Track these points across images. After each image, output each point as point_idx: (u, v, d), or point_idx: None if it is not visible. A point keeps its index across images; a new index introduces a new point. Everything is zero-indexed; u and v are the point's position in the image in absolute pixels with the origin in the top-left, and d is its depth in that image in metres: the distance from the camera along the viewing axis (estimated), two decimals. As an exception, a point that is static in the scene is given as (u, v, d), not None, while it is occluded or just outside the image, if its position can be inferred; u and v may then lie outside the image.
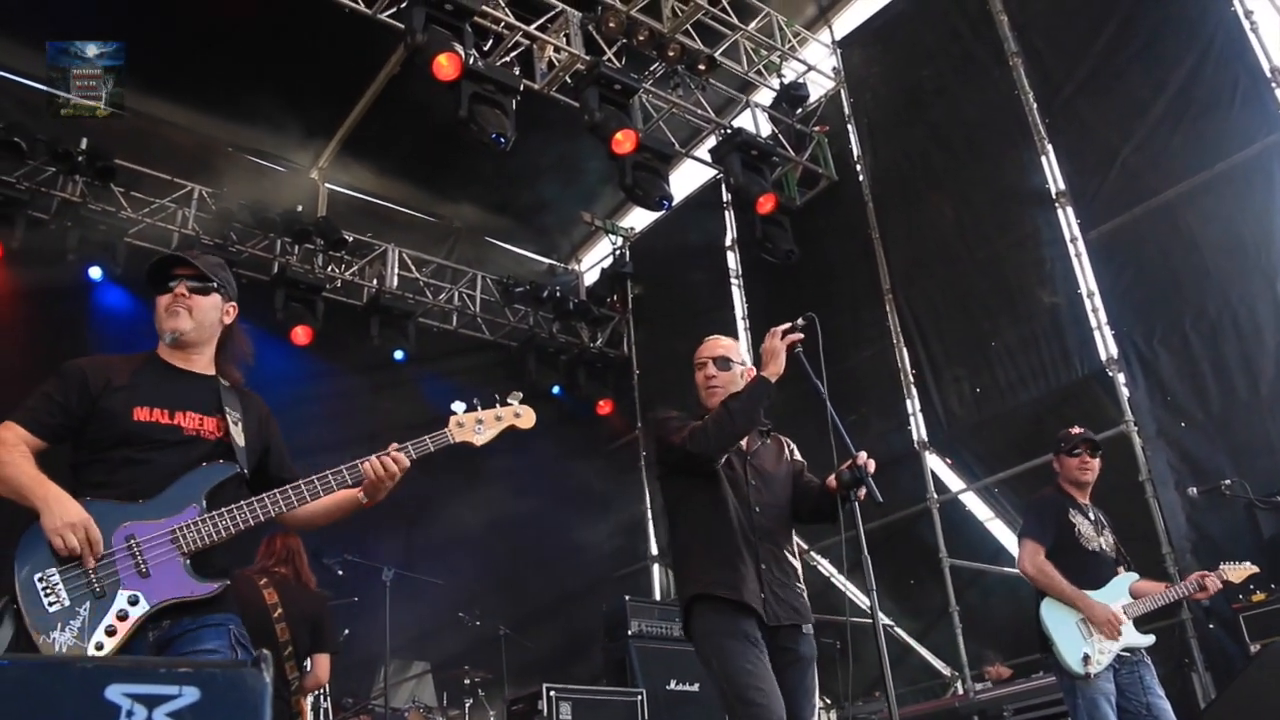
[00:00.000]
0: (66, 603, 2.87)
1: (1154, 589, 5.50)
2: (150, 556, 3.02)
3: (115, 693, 1.16)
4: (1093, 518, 5.65)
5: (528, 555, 12.41)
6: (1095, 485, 5.80)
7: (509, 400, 3.76)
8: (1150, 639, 5.38)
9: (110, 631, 2.88)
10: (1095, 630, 5.20)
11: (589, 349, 13.91)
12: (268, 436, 3.56)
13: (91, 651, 2.82)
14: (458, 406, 3.66)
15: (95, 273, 10.27)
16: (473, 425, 3.63)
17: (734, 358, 4.49)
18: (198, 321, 3.43)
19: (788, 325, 4.23)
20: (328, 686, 7.90)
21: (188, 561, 3.08)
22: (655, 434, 4.39)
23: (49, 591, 2.88)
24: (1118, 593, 5.41)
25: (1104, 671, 5.12)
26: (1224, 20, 8.50)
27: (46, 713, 1.12)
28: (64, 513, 2.95)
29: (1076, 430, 5.86)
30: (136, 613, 2.94)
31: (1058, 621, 5.27)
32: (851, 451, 3.98)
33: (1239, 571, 5.56)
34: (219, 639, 3.10)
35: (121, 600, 2.93)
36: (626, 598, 9.29)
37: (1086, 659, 5.09)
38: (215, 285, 3.49)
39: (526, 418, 3.78)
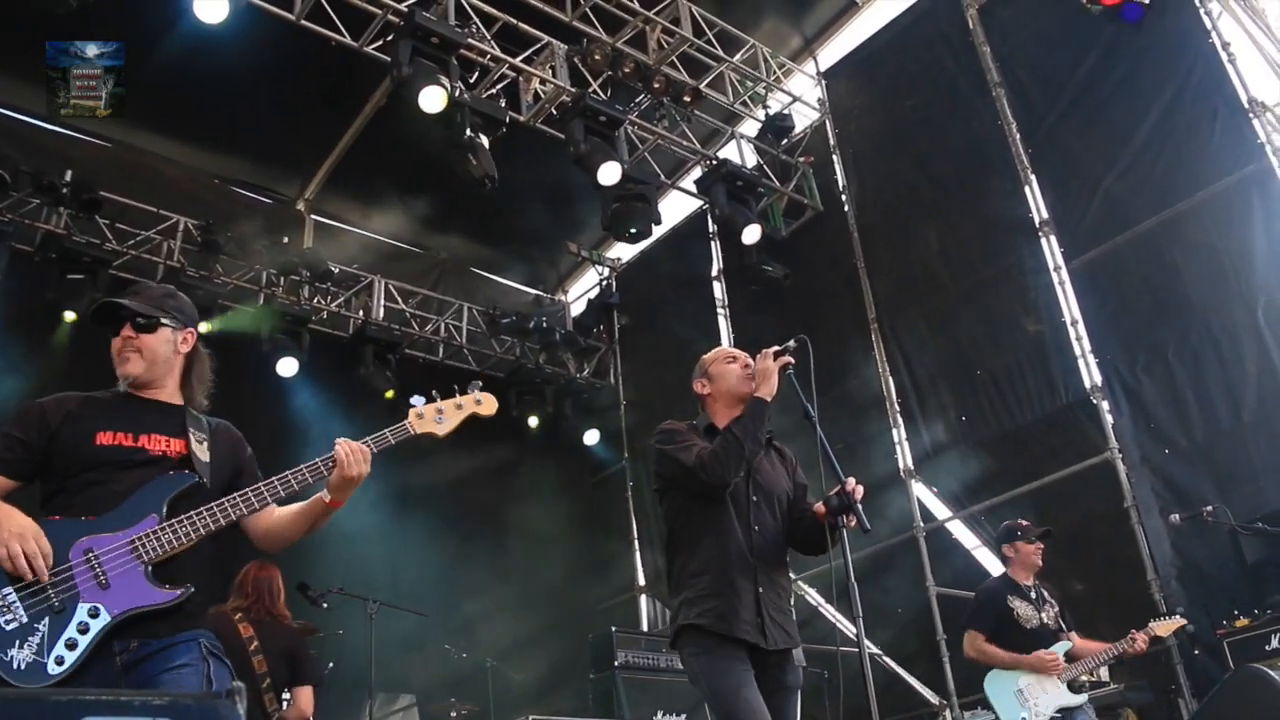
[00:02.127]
0: (24, 619, 2.82)
1: (1094, 648, 6.13)
2: (110, 568, 2.96)
3: None
4: (1034, 597, 6.29)
5: (514, 586, 12.34)
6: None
7: (469, 389, 3.74)
8: (1081, 698, 6.02)
9: (71, 644, 2.83)
10: (1031, 695, 5.87)
11: (576, 380, 13.90)
12: (239, 462, 3.49)
13: (51, 667, 2.78)
14: (416, 400, 3.65)
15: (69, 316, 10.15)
16: (433, 416, 3.62)
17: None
18: (149, 361, 3.40)
19: (779, 347, 4.24)
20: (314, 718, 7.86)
21: (149, 569, 3.01)
22: (661, 446, 4.29)
23: (5, 610, 2.82)
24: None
25: None
26: (1202, 52, 8.61)
27: None
28: (10, 524, 2.91)
29: (1025, 522, 6.61)
30: (97, 625, 2.88)
31: (997, 693, 5.97)
32: (840, 477, 3.97)
33: (1167, 626, 6.19)
34: (190, 653, 3.03)
35: (81, 613, 2.88)
36: (613, 628, 9.25)
37: None
38: (160, 320, 3.44)
39: (487, 404, 3.75)
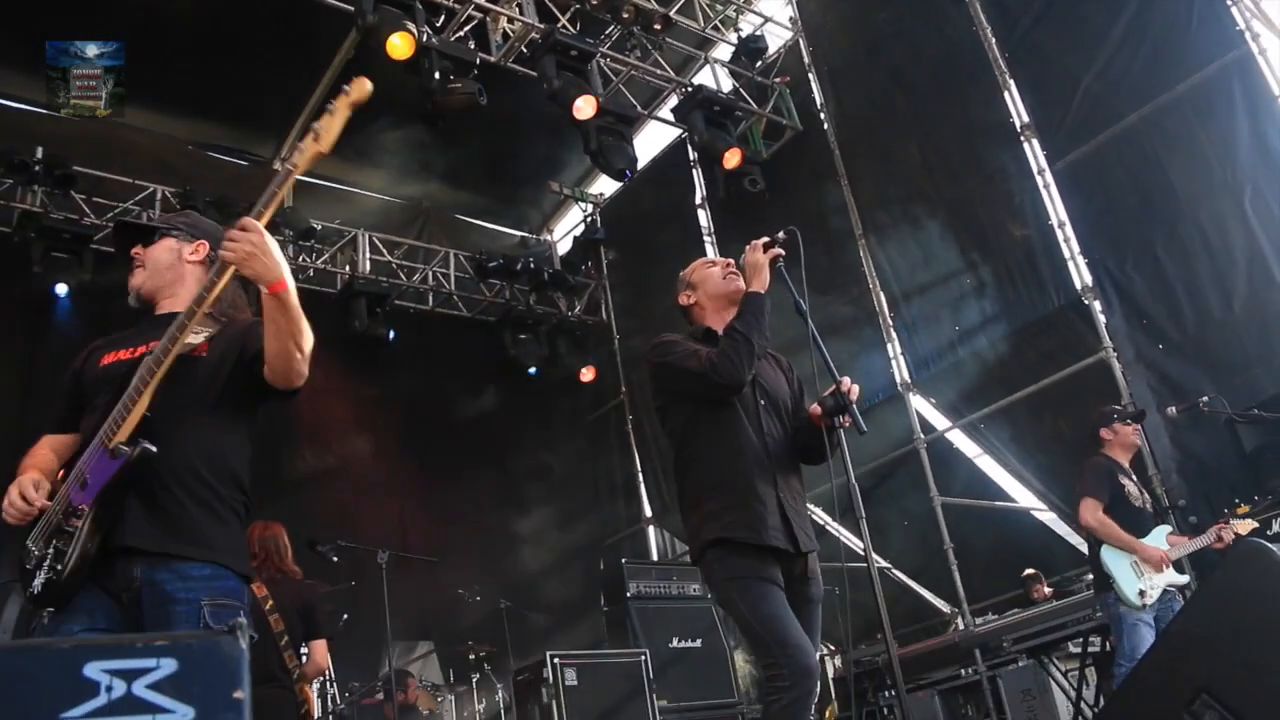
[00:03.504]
0: (36, 552, 2.94)
1: (1181, 541, 6.32)
2: (89, 469, 2.94)
3: (94, 669, 1.18)
4: (1134, 479, 6.49)
5: (522, 527, 12.45)
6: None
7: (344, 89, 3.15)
8: (1186, 578, 6.28)
9: (61, 550, 2.90)
10: (1146, 569, 6.08)
11: (567, 318, 13.91)
12: (252, 341, 3.16)
13: (52, 577, 2.88)
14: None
15: (61, 289, 10.15)
16: (310, 140, 3.10)
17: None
18: (150, 270, 3.39)
19: (768, 239, 4.17)
20: (332, 672, 7.96)
21: (113, 450, 2.92)
22: (661, 359, 4.15)
23: (29, 556, 2.96)
24: (1158, 541, 6.23)
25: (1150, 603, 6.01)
26: (1176, -61, 8.49)
27: (30, 695, 1.14)
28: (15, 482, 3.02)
29: (1118, 406, 6.94)
30: (84, 520, 2.89)
31: (1116, 564, 6.09)
32: (835, 377, 3.90)
33: (1245, 525, 6.32)
34: (188, 624, 2.81)
35: (70, 518, 2.92)
36: (623, 560, 9.36)
37: (1142, 593, 5.98)
38: (163, 233, 3.43)
39: (356, 88, 3.14)
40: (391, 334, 12.13)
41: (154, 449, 2.90)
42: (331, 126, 3.11)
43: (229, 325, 3.31)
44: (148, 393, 2.94)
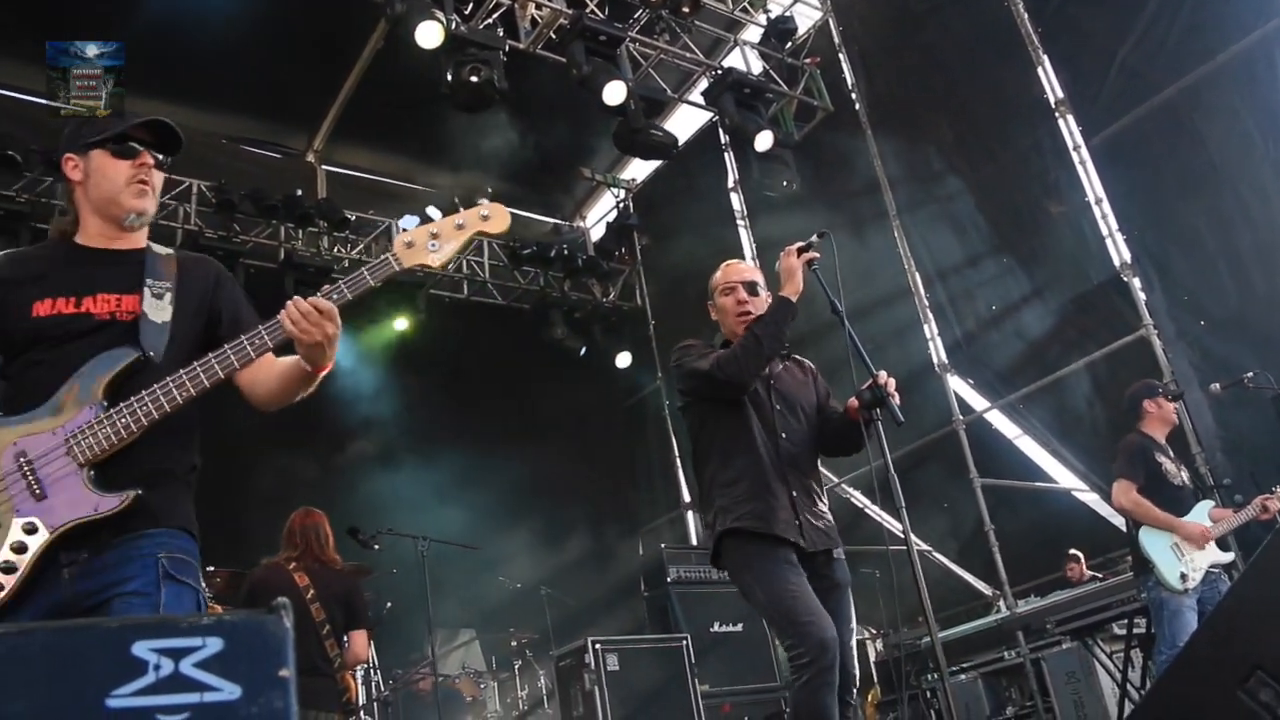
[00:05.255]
0: None
1: (1225, 515, 6.18)
2: (44, 474, 2.53)
3: (141, 648, 1.19)
4: (1172, 456, 6.39)
5: (561, 514, 12.49)
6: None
7: (478, 200, 3.01)
8: (1230, 555, 6.14)
9: (8, 569, 2.45)
10: (1187, 549, 5.93)
11: (602, 304, 13.91)
12: (217, 301, 2.96)
13: None
14: (408, 221, 2.94)
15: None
16: (425, 242, 2.88)
17: (760, 282, 4.45)
18: (155, 201, 2.98)
19: (802, 243, 4.22)
20: (375, 660, 8.01)
21: (90, 473, 2.56)
22: (677, 362, 4.32)
23: None
24: (1199, 518, 6.10)
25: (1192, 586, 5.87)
26: (1214, -96, 8.35)
27: (80, 675, 1.16)
28: None
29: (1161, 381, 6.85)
30: (36, 542, 2.49)
31: (1156, 547, 5.94)
32: (871, 371, 3.96)
33: None
34: (145, 574, 2.57)
35: (16, 530, 2.48)
36: (663, 546, 9.37)
37: (1184, 577, 5.82)
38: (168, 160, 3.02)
39: (497, 218, 2.97)
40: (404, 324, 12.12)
41: (142, 494, 2.59)
42: (450, 245, 2.92)
43: (187, 274, 2.94)
44: (144, 429, 2.62)
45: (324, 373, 2.83)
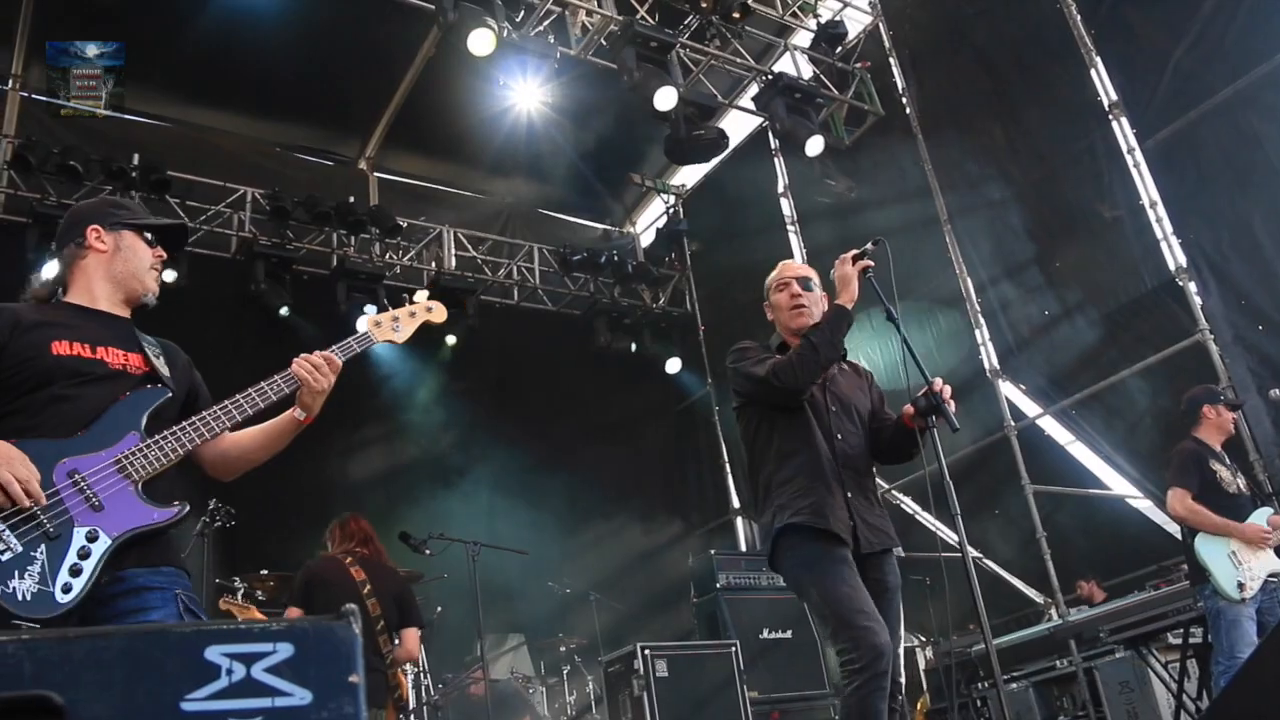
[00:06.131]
0: (19, 549, 2.61)
1: None
2: (100, 489, 2.78)
3: (214, 653, 1.23)
4: (1228, 463, 6.24)
5: (610, 519, 12.52)
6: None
7: (416, 298, 3.82)
8: None
9: (75, 570, 2.65)
10: (1244, 557, 5.82)
11: (652, 310, 13.94)
12: (192, 381, 3.27)
13: (59, 595, 2.61)
14: (369, 308, 3.73)
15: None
16: (389, 324, 3.62)
17: (814, 278, 4.47)
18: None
19: (857, 251, 4.22)
20: (425, 662, 8.07)
21: (139, 488, 2.84)
22: (734, 365, 4.32)
23: None
24: (1258, 523, 5.96)
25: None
26: (1272, -97, 8.23)
27: (153, 677, 1.20)
28: None
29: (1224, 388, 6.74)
30: (99, 549, 2.71)
31: (1213, 554, 5.84)
32: (926, 379, 3.96)
33: None
34: (165, 606, 2.82)
35: (79, 538, 2.70)
36: (712, 551, 9.37)
37: (1241, 586, 5.70)
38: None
39: (437, 312, 3.82)
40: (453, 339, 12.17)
41: (188, 506, 2.95)
42: (408, 328, 3.67)
43: (168, 351, 3.26)
44: (183, 454, 2.97)
45: (309, 423, 3.25)
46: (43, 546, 2.64)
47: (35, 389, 2.88)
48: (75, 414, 2.86)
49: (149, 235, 3.25)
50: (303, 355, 3.18)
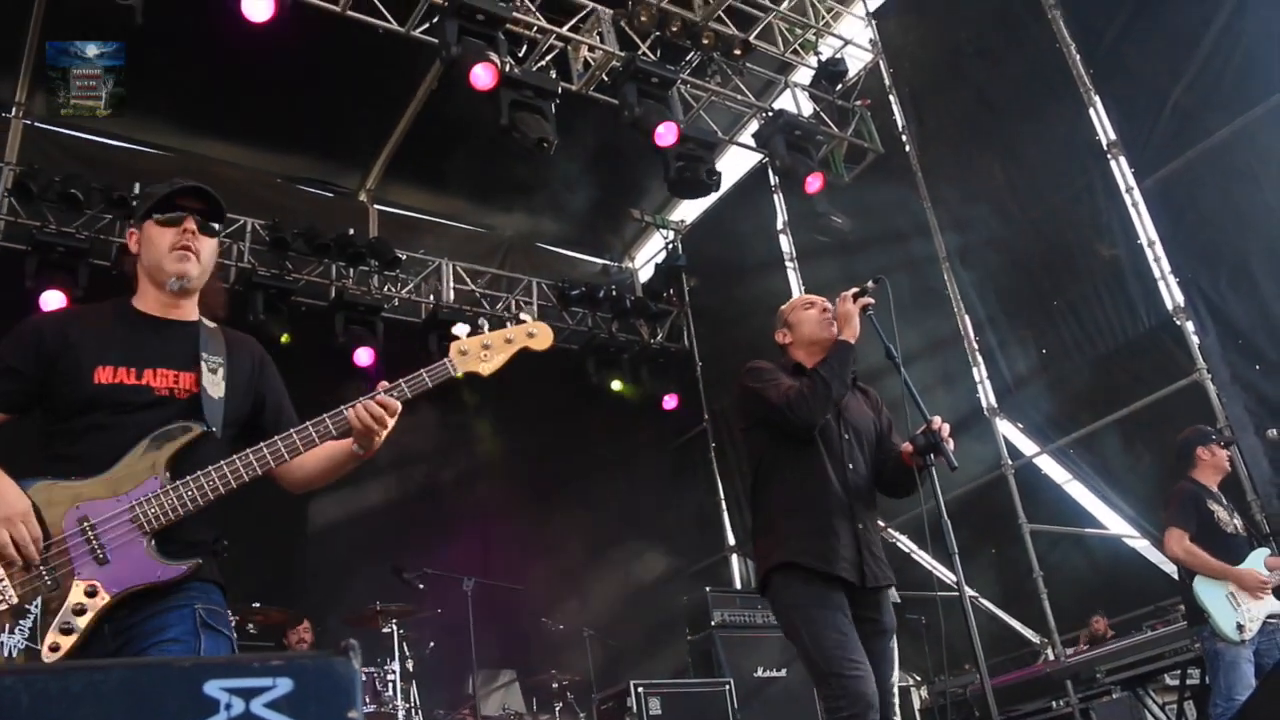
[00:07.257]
0: (14, 600, 2.55)
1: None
2: (108, 540, 2.66)
3: (213, 688, 1.22)
4: (1225, 504, 6.27)
5: (604, 555, 12.45)
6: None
7: (521, 318, 3.25)
8: None
9: (66, 630, 2.56)
10: (1243, 599, 5.79)
11: (650, 345, 13.91)
12: (262, 385, 3.14)
13: (46, 655, 2.53)
14: (460, 329, 3.11)
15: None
16: (478, 351, 3.10)
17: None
18: (204, 267, 3.10)
19: (858, 288, 4.24)
20: (417, 698, 8.00)
21: (151, 542, 2.70)
22: (748, 384, 4.27)
23: None
24: (1255, 566, 5.96)
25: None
26: (1268, -55, 8.29)
27: (152, 711, 1.18)
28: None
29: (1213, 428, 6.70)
30: (95, 605, 2.60)
31: (1211, 596, 5.83)
32: (926, 416, 3.95)
33: None
34: (182, 624, 2.71)
35: (77, 593, 2.60)
36: (708, 589, 9.30)
37: (1240, 627, 5.69)
38: (219, 228, 3.17)
39: (542, 336, 3.24)
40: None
41: (200, 561, 2.79)
42: (500, 357, 3.14)
43: (235, 354, 3.11)
44: (208, 503, 2.79)
45: (369, 457, 3.06)
46: (38, 600, 2.59)
47: (77, 415, 2.81)
48: (112, 444, 2.77)
49: (162, 216, 3.08)
50: (362, 402, 2.92)
